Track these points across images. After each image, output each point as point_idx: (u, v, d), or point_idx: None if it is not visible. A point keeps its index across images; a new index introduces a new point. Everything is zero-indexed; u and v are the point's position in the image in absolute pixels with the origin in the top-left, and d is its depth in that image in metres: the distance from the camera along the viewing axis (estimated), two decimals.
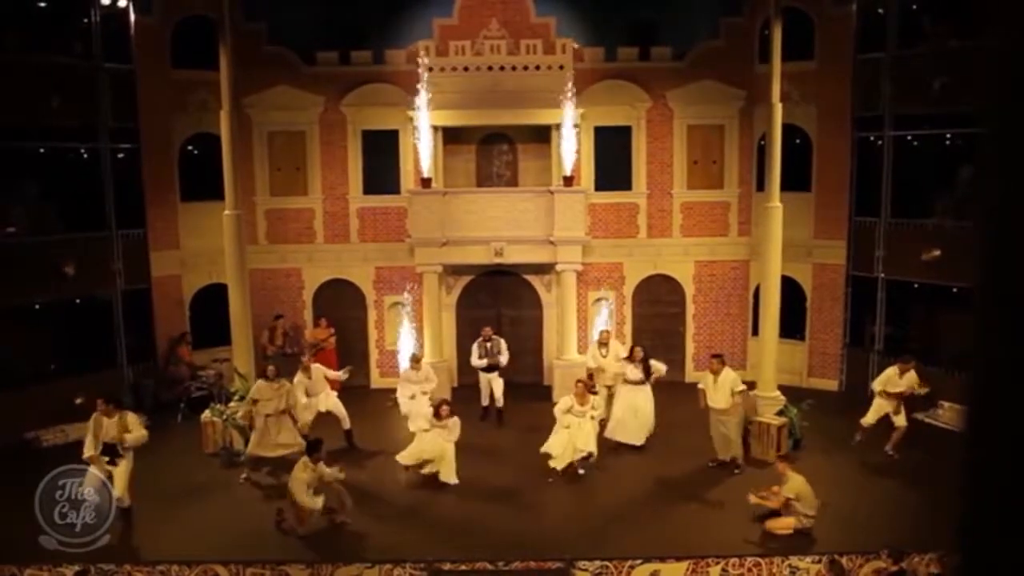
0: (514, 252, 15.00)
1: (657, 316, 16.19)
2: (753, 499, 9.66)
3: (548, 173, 15.72)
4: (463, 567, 9.04)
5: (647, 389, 12.49)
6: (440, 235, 14.97)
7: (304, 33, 15.73)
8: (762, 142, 14.26)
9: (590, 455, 11.40)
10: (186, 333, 14.99)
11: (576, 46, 15.27)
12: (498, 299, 16.07)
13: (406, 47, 15.45)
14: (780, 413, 12.28)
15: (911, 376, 11.81)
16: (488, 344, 13.74)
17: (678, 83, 15.47)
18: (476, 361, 13.81)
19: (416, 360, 13.27)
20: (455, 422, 11.23)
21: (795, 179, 14.23)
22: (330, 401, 12.53)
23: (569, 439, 11.30)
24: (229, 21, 12.82)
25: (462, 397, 13.96)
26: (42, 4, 13.73)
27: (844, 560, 8.78)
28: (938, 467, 10.45)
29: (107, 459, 9.51)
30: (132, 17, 14.13)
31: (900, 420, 11.82)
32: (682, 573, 8.99)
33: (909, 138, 14.25)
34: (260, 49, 15.35)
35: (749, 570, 9.07)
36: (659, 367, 12.73)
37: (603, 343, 13.44)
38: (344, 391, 13.11)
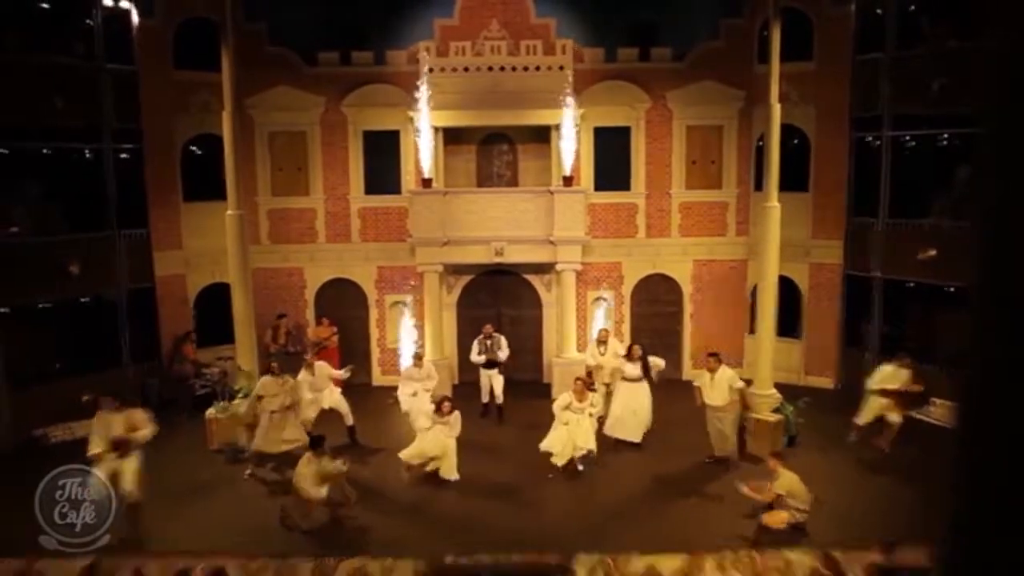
0: (514, 252, 15.10)
1: (655, 315, 16.29)
2: (744, 489, 9.77)
3: (548, 173, 15.81)
4: (464, 561, 9.12)
5: (645, 386, 12.60)
6: (441, 235, 15.07)
7: (305, 34, 15.77)
8: (760, 142, 14.35)
9: (590, 452, 11.53)
10: (191, 331, 15.05)
11: (576, 47, 15.36)
12: (498, 298, 16.17)
13: (407, 48, 15.52)
14: (776, 410, 12.42)
15: (906, 374, 11.95)
16: (488, 341, 13.88)
17: (678, 84, 15.56)
18: (476, 357, 13.94)
19: (418, 358, 13.39)
20: (456, 417, 11.36)
21: (793, 179, 14.33)
22: (334, 398, 12.65)
23: (568, 436, 11.41)
24: (230, 22, 12.87)
25: (463, 394, 14.02)
26: (44, 5, 13.74)
27: (837, 553, 8.88)
28: (931, 463, 10.56)
29: (116, 454, 9.60)
30: (134, 18, 14.22)
31: (894, 417, 11.96)
32: (678, 565, 9.08)
33: (907, 139, 14.29)
34: (261, 50, 15.44)
35: (744, 563, 9.16)
36: (658, 362, 12.87)
37: (602, 341, 13.56)
38: (346, 389, 13.19)
